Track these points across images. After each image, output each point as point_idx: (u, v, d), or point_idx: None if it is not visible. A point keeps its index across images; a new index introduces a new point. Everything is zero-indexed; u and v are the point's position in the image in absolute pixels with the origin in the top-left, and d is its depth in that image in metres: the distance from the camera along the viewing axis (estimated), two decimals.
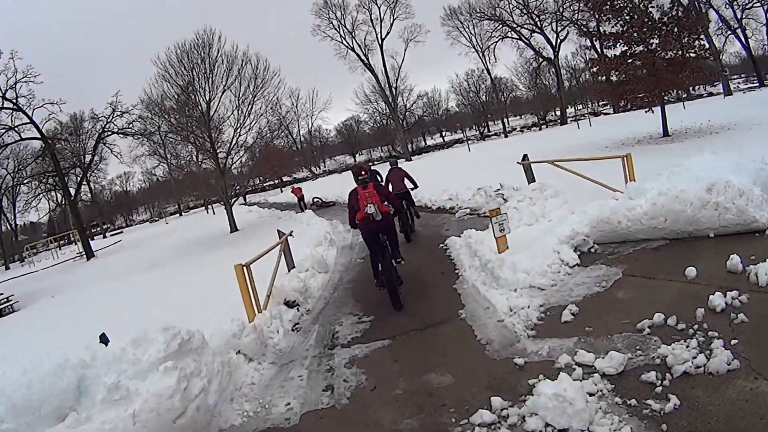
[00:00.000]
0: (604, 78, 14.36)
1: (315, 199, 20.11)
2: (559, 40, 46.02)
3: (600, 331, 3.54)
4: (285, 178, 49.92)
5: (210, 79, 17.00)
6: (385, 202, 5.58)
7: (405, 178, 9.31)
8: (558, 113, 50.76)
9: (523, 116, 58.68)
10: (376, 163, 39.04)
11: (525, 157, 8.63)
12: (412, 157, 41.46)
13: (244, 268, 5.18)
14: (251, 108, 17.89)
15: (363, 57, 43.74)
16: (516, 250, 5.30)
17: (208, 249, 15.17)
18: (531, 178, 8.40)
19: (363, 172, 5.84)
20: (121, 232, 42.39)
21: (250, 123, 18.34)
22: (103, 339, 4.24)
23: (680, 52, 12.74)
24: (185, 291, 9.27)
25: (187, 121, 16.99)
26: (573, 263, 4.84)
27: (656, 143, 13.42)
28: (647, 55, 12.68)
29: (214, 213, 35.58)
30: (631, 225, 5.02)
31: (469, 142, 39.20)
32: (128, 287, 11.89)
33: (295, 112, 54.31)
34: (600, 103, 49.58)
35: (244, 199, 46.38)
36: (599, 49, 48.30)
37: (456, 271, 5.87)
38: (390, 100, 45.35)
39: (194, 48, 16.80)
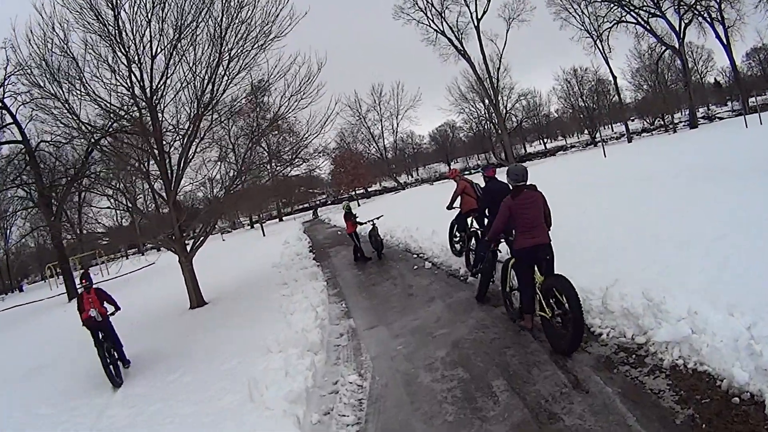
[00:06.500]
0: None
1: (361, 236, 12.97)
2: (683, 24, 37.87)
3: None
4: (370, 189, 46.80)
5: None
6: (105, 304, 7.04)
7: (544, 212, 5.08)
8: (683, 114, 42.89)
9: (626, 121, 51.02)
10: (472, 172, 34.59)
11: None
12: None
13: None
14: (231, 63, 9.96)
15: (456, 42, 37.68)
16: None
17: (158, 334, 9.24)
18: None
19: (84, 281, 7.15)
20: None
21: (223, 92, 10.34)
22: None
23: None
24: None
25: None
26: None
27: None
28: None
29: (264, 234, 29.81)
30: None
31: (604, 144, 31.59)
32: None
33: (378, 111, 49.41)
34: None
35: (315, 214, 40.22)
36: (725, 39, 39.26)
37: None
38: (490, 92, 39.06)
39: None
